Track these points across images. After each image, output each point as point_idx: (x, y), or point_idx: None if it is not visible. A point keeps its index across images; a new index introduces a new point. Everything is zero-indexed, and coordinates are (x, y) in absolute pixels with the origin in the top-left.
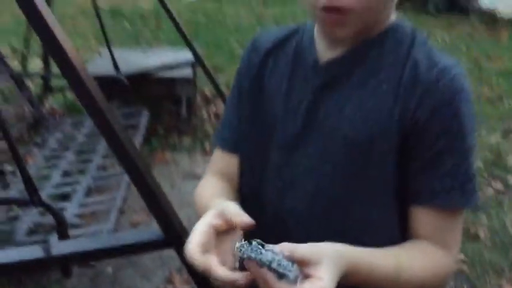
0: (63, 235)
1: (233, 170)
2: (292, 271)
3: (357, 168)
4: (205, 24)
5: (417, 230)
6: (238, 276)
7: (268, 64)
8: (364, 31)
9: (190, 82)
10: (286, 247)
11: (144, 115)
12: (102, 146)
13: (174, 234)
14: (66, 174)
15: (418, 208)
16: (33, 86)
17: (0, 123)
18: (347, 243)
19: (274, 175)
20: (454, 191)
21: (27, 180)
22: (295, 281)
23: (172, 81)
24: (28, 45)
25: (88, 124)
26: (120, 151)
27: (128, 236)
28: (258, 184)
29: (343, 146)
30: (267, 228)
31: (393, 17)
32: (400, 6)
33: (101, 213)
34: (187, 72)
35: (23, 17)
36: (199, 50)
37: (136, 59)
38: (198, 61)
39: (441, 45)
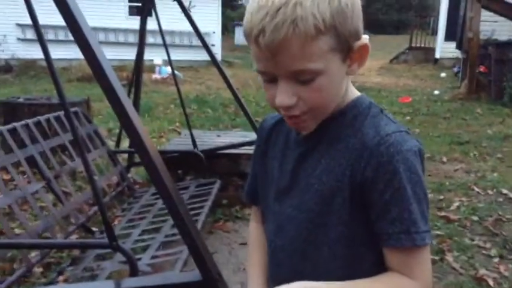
0: (133, 274)
1: (258, 216)
2: None
3: (323, 215)
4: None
5: (387, 264)
6: None
7: (272, 138)
8: (325, 115)
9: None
10: None
11: (216, 185)
12: None
13: (211, 279)
14: (144, 232)
15: (383, 248)
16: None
17: (94, 189)
18: (321, 275)
19: (271, 220)
20: (402, 234)
21: (108, 229)
22: None
23: (239, 157)
24: (122, 129)
25: None
26: (176, 215)
27: (173, 276)
28: (266, 226)
29: (313, 198)
30: (269, 259)
31: (353, 92)
32: (475, 96)
33: (169, 263)
34: (251, 150)
35: None
36: None
37: (210, 139)
38: None
39: None
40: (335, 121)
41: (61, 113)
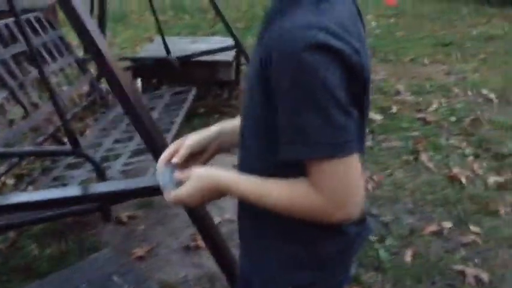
0: (100, 180)
1: None
2: (168, 183)
3: (249, 106)
4: (261, 17)
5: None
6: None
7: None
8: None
9: (231, 66)
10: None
11: (192, 92)
12: None
13: None
14: (116, 141)
15: None
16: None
17: (50, 93)
18: (247, 166)
19: None
20: (286, 145)
21: (70, 134)
22: (168, 188)
23: (215, 64)
24: None
25: None
26: (140, 127)
27: (143, 181)
28: None
29: (245, 89)
30: None
31: None
32: None
33: (141, 170)
34: (229, 56)
35: None
36: (251, 40)
37: (185, 46)
38: (238, 46)
39: (499, 33)
40: (274, 5)
41: (22, 18)
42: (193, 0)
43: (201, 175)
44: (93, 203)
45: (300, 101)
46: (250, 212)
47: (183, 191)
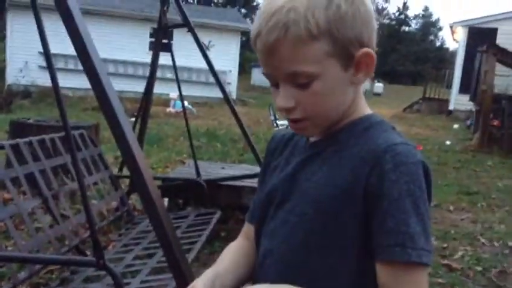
0: None
1: (251, 233)
2: None
3: (317, 222)
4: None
5: (378, 282)
6: None
7: (278, 149)
8: (332, 124)
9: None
10: None
11: (217, 215)
12: None
13: None
14: (137, 257)
15: (376, 263)
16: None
17: (85, 206)
18: (306, 284)
19: (267, 226)
20: (396, 247)
21: (96, 246)
22: None
23: (241, 190)
24: None
25: None
26: (165, 243)
27: None
28: (260, 238)
29: (309, 204)
30: (257, 267)
31: (366, 109)
32: (487, 149)
33: None
34: (255, 183)
35: None
36: None
37: (215, 170)
38: None
39: None
40: (344, 131)
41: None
42: (226, 130)
43: None
44: None
45: (410, 208)
46: None
47: None
